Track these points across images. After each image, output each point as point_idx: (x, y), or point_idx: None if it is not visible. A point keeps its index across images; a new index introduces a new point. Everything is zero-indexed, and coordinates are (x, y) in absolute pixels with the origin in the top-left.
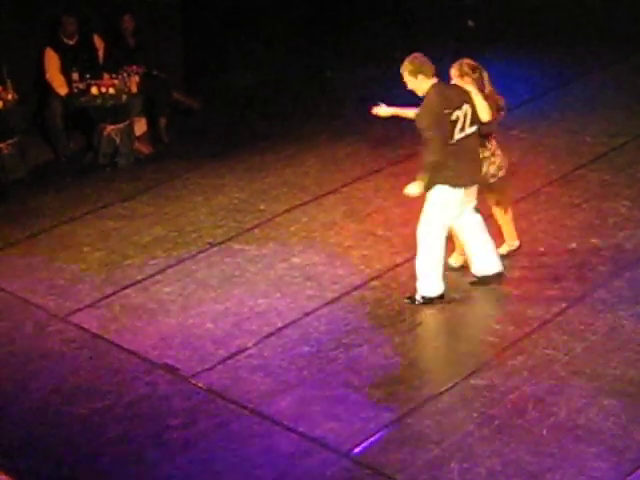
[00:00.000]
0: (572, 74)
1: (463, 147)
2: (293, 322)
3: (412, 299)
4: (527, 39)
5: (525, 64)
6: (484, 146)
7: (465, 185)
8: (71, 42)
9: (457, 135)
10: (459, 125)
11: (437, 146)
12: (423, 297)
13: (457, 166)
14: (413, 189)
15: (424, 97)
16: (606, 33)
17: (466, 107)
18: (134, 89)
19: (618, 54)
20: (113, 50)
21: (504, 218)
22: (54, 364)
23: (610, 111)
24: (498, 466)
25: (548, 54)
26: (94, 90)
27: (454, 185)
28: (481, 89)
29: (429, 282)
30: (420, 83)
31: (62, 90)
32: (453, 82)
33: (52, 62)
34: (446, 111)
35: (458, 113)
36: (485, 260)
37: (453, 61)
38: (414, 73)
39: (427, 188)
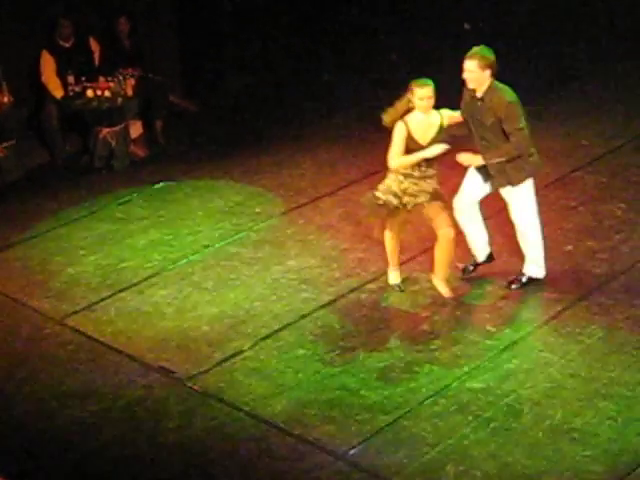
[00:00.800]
0: (568, 76)
1: None
2: (289, 325)
3: (518, 282)
4: (523, 41)
5: (521, 66)
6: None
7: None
8: (67, 45)
9: None
10: None
11: (527, 136)
12: (530, 278)
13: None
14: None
15: (495, 91)
16: (603, 36)
17: None
18: (130, 92)
19: (614, 56)
20: (109, 53)
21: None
22: (50, 367)
23: (606, 114)
24: (494, 469)
25: (544, 56)
26: (90, 93)
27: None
28: None
29: (540, 264)
30: (485, 78)
31: (58, 93)
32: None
33: (48, 65)
34: None
35: None
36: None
37: (451, 62)
38: (484, 66)
39: (518, 180)
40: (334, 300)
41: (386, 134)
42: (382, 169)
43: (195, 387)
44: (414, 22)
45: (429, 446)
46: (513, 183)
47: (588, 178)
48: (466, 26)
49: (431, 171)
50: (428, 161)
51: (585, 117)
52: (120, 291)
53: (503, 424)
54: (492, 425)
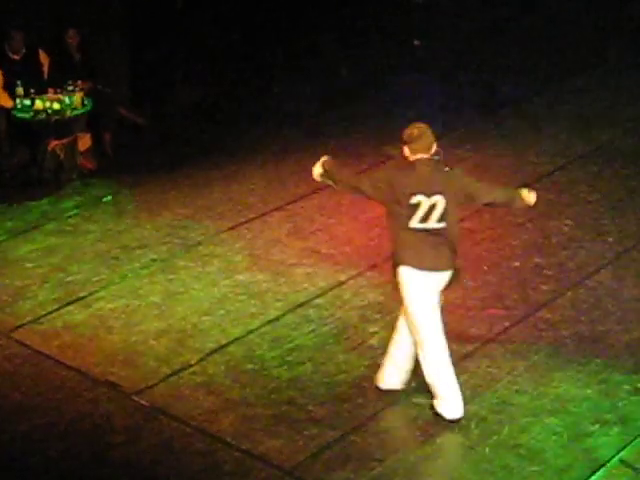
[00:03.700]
0: (516, 95)
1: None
2: (237, 339)
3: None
4: (471, 61)
5: (468, 84)
6: None
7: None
8: (16, 57)
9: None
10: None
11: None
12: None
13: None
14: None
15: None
16: (549, 54)
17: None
18: (79, 104)
19: (561, 75)
20: (58, 65)
21: None
22: None
23: (554, 131)
24: None
25: (491, 75)
26: (38, 105)
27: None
28: None
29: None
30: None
31: (7, 103)
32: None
33: None
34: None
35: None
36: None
37: (400, 80)
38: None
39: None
40: (282, 315)
41: (333, 151)
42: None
43: (142, 401)
44: (364, 36)
45: (376, 461)
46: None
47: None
48: (416, 42)
49: None
50: None
51: (532, 135)
52: (67, 304)
53: (450, 440)
54: (439, 441)
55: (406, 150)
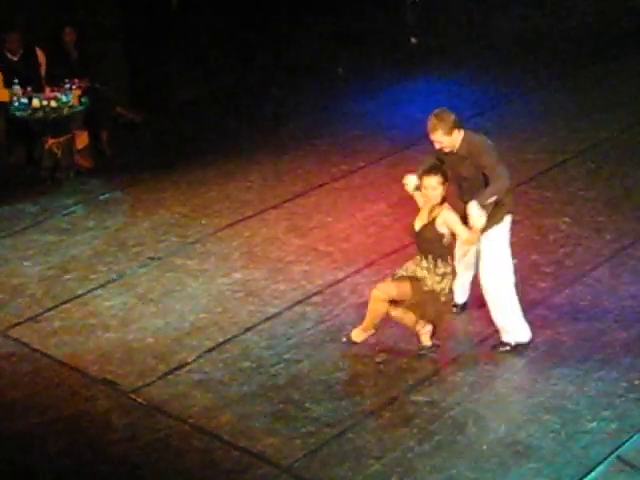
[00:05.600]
0: (513, 92)
1: None
2: (234, 337)
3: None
4: (468, 58)
5: (466, 82)
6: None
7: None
8: (15, 58)
9: None
10: None
11: (507, 173)
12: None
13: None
14: (480, 221)
15: (465, 141)
16: (545, 53)
17: None
18: (76, 102)
19: (557, 73)
20: (55, 63)
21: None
22: None
23: (551, 128)
24: None
25: (489, 72)
26: (36, 103)
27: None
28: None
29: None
30: (455, 138)
31: (4, 97)
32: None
33: None
34: None
35: None
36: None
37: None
38: (450, 130)
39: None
40: (279, 312)
41: (330, 148)
42: (327, 182)
43: (139, 399)
44: (361, 35)
45: (374, 459)
46: (497, 222)
47: (533, 192)
48: (413, 40)
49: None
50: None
51: (530, 132)
52: (64, 302)
53: (448, 437)
54: (437, 438)
55: (455, 133)
